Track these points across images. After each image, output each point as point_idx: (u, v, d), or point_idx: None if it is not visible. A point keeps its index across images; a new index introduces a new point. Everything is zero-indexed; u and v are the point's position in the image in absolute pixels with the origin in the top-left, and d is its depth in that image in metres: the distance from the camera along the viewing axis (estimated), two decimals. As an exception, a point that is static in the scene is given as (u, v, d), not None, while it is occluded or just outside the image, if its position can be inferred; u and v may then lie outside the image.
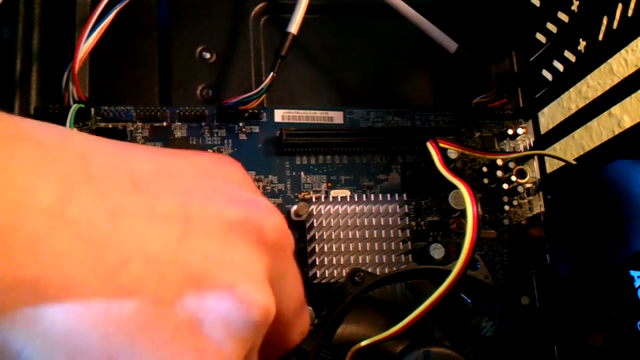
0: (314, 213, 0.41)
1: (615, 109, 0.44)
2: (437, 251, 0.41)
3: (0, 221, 0.18)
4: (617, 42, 0.39)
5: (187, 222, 0.22)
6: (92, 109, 0.42)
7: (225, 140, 0.44)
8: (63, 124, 0.40)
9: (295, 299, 0.28)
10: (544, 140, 0.47)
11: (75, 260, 0.19)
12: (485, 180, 0.45)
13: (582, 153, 0.44)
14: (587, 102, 0.42)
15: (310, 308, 0.39)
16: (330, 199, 0.42)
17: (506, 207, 0.46)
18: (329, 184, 0.45)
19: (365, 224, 0.41)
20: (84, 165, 0.21)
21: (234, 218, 0.23)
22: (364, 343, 0.34)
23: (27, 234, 0.19)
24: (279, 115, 0.45)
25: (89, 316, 0.19)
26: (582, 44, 0.42)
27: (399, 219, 0.42)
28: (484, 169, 0.45)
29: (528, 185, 0.46)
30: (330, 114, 0.46)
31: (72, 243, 0.19)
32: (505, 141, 0.48)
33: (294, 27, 0.44)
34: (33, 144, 0.20)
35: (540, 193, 0.47)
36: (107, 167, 0.22)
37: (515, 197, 0.46)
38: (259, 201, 0.25)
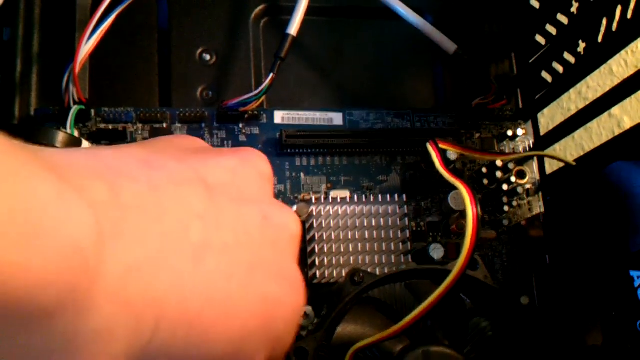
0: (314, 214, 0.41)
1: (615, 110, 0.45)
2: (436, 252, 0.41)
3: None
4: (616, 43, 0.39)
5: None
6: (93, 111, 0.43)
7: (225, 142, 0.44)
8: (64, 125, 0.41)
9: None
10: (543, 141, 0.47)
11: None
12: (485, 181, 0.45)
13: (582, 154, 0.44)
14: (587, 103, 0.42)
15: (309, 307, 0.39)
16: (330, 200, 0.42)
17: (506, 208, 0.46)
18: (329, 185, 0.45)
19: (365, 224, 0.41)
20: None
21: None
22: (363, 343, 0.34)
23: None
24: (279, 116, 0.45)
25: None
26: (582, 46, 0.42)
27: (398, 219, 0.42)
28: (484, 170, 0.45)
29: (528, 186, 0.46)
30: (330, 115, 0.46)
31: None
32: (504, 142, 0.48)
33: (293, 29, 0.44)
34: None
35: (540, 194, 0.47)
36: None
37: (515, 198, 0.46)
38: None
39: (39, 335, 0.18)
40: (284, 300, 0.27)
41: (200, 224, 0.24)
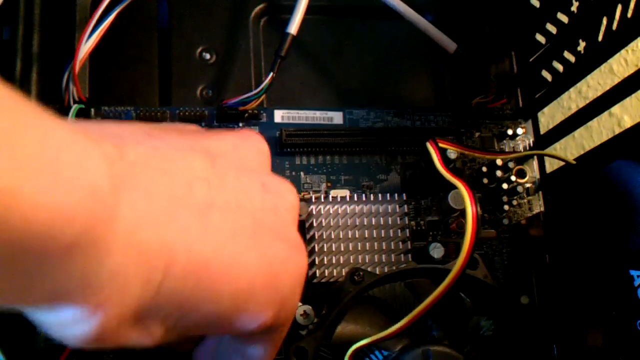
0: (314, 213, 0.41)
1: (616, 109, 0.45)
2: (436, 251, 0.41)
3: None
4: (616, 42, 0.39)
5: None
6: (92, 110, 0.43)
7: (225, 141, 0.44)
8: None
9: None
10: (543, 140, 0.47)
11: None
12: (485, 180, 0.45)
13: (582, 153, 0.44)
14: (588, 101, 0.42)
15: (309, 307, 0.39)
16: (330, 199, 0.42)
17: (506, 207, 0.45)
18: (329, 184, 0.45)
19: (365, 223, 0.41)
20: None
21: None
22: (363, 342, 0.34)
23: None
24: (279, 115, 0.45)
25: None
26: (582, 45, 0.42)
27: (398, 218, 0.42)
28: (484, 168, 0.45)
29: (528, 185, 0.46)
30: (330, 114, 0.46)
31: None
32: (504, 141, 0.48)
33: (293, 28, 0.44)
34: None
35: (540, 193, 0.47)
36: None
37: (515, 197, 0.46)
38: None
39: (57, 272, 0.19)
40: (288, 261, 0.28)
41: (203, 184, 0.25)
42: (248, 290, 0.25)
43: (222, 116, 0.44)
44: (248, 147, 0.31)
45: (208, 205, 0.25)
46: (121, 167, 0.22)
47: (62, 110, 0.41)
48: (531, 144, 0.48)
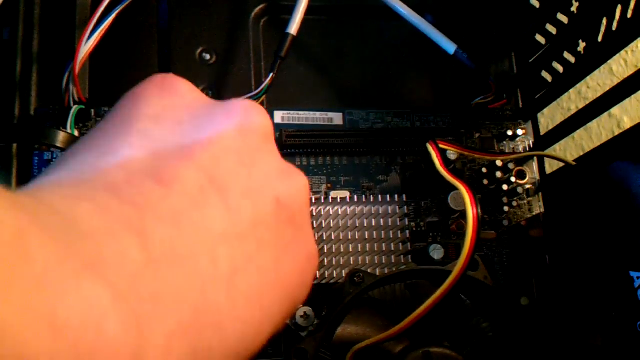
0: (314, 214, 0.41)
1: (615, 110, 0.45)
2: (436, 252, 0.42)
3: None
4: (616, 43, 0.39)
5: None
6: (93, 110, 0.43)
7: (225, 141, 0.44)
8: (64, 125, 0.41)
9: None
10: (543, 141, 0.47)
11: None
12: (485, 181, 0.45)
13: (582, 154, 0.44)
14: (587, 102, 0.42)
15: (309, 308, 0.39)
16: (330, 200, 0.42)
17: (506, 208, 0.46)
18: (329, 185, 0.45)
19: (365, 225, 0.41)
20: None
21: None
22: (364, 343, 0.34)
23: None
24: (279, 116, 0.45)
25: None
26: (582, 45, 0.42)
27: (398, 219, 0.42)
28: (484, 170, 0.45)
29: (528, 186, 0.46)
30: (330, 115, 0.46)
31: None
32: (504, 142, 0.48)
33: (293, 28, 0.44)
34: None
35: (540, 194, 0.47)
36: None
37: (515, 198, 0.46)
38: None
39: None
40: (305, 272, 0.27)
41: (225, 248, 0.23)
42: (269, 324, 0.25)
43: (222, 117, 0.44)
44: (252, 143, 0.27)
45: (233, 271, 0.23)
46: (144, 277, 0.19)
47: (62, 110, 0.41)
48: (531, 145, 0.48)
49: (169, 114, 0.27)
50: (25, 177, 0.41)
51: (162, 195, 0.22)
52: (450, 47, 0.48)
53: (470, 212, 0.34)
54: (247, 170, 0.26)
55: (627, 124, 0.50)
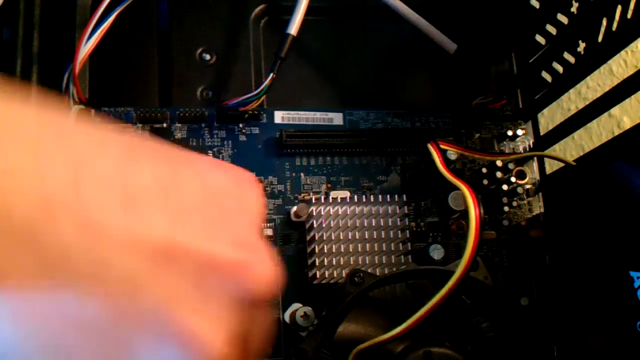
0: (314, 214, 0.41)
1: (615, 110, 0.45)
2: (436, 252, 0.42)
3: None
4: (616, 43, 0.39)
5: (167, 252, 0.21)
6: (92, 110, 0.42)
7: (225, 142, 0.44)
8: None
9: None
10: (543, 141, 0.47)
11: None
12: (485, 182, 0.45)
13: (581, 154, 0.44)
14: (587, 103, 0.42)
15: (310, 308, 0.39)
16: (330, 200, 0.42)
17: (506, 208, 0.46)
18: (329, 185, 0.45)
19: (365, 225, 0.41)
20: (74, 176, 0.21)
21: (225, 260, 0.22)
22: (366, 344, 0.34)
23: None
24: (279, 116, 0.45)
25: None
26: (582, 46, 0.42)
27: (398, 220, 0.42)
28: (484, 170, 0.45)
29: (527, 187, 0.46)
30: (330, 115, 0.46)
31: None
32: (504, 142, 0.48)
33: (293, 29, 0.44)
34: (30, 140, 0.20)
35: (540, 194, 0.47)
36: (100, 180, 0.21)
37: (515, 198, 0.46)
38: (261, 250, 0.24)
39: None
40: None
41: None
42: None
43: (222, 117, 0.44)
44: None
45: None
46: None
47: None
48: (531, 145, 0.48)
49: None
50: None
51: None
52: (450, 46, 0.48)
53: (473, 212, 0.34)
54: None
55: (627, 124, 0.50)
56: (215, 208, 0.24)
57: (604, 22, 0.40)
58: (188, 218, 0.23)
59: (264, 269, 0.23)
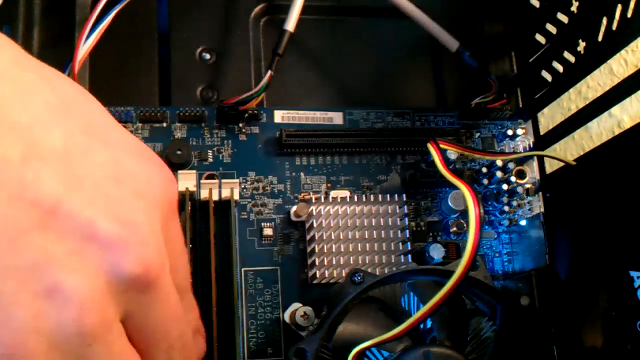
0: (314, 213, 0.41)
1: (615, 110, 0.44)
2: (436, 251, 0.41)
3: None
4: (616, 42, 0.39)
5: (51, 212, 0.23)
6: (92, 110, 0.42)
7: (225, 141, 0.44)
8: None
9: None
10: (543, 141, 0.47)
11: None
12: (485, 181, 0.45)
13: (582, 153, 0.44)
14: (587, 102, 0.42)
15: (309, 308, 0.39)
16: (330, 200, 0.42)
17: (506, 208, 0.45)
18: (329, 185, 0.45)
19: (365, 224, 0.41)
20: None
21: (105, 233, 0.24)
22: (367, 344, 0.34)
23: None
24: (279, 115, 0.45)
25: None
26: (582, 45, 0.42)
27: (398, 219, 0.42)
28: (484, 169, 0.45)
29: (527, 186, 0.46)
30: (330, 114, 0.46)
31: None
32: (504, 142, 0.48)
33: (290, 25, 0.44)
34: None
35: (540, 193, 0.47)
36: (8, 129, 0.23)
37: (515, 198, 0.46)
38: (146, 235, 0.25)
39: None
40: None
41: None
42: None
43: (222, 116, 0.44)
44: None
45: None
46: None
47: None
48: (531, 145, 0.48)
49: None
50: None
51: None
52: (453, 44, 0.48)
53: (473, 211, 0.34)
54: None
55: (627, 123, 0.50)
56: (115, 187, 0.25)
57: (604, 21, 0.40)
58: (83, 186, 0.24)
59: (142, 252, 0.24)
